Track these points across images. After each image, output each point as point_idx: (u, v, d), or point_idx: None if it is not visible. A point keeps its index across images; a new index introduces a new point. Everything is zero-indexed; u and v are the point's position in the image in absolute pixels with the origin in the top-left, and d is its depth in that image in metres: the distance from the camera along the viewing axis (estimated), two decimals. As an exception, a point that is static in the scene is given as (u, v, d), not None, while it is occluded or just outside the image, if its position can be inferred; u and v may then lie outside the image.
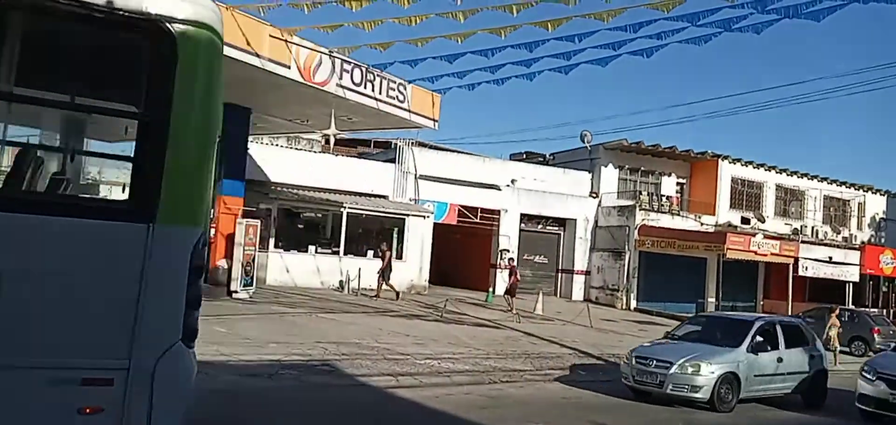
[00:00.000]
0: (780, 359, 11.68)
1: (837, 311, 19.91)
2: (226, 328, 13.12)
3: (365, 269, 22.19)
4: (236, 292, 18.34)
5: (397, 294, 21.15)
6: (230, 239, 18.89)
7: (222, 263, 18.91)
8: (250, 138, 21.14)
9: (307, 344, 12.41)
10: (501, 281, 28.02)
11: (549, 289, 28.79)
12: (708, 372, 10.51)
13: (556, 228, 30.26)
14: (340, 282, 23.08)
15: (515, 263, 24.51)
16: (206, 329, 12.74)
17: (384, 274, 21.16)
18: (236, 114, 18.94)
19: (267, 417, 7.84)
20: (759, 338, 11.55)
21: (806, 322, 24.67)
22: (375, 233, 25.69)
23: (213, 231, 19.50)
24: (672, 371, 10.50)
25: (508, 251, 28.38)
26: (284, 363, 10.76)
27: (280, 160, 24.47)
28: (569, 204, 29.81)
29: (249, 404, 8.30)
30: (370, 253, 23.75)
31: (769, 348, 11.64)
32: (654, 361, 10.78)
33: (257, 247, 19.24)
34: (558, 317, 21.65)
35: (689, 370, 10.51)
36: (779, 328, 12.24)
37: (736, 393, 10.84)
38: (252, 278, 18.89)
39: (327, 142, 29.19)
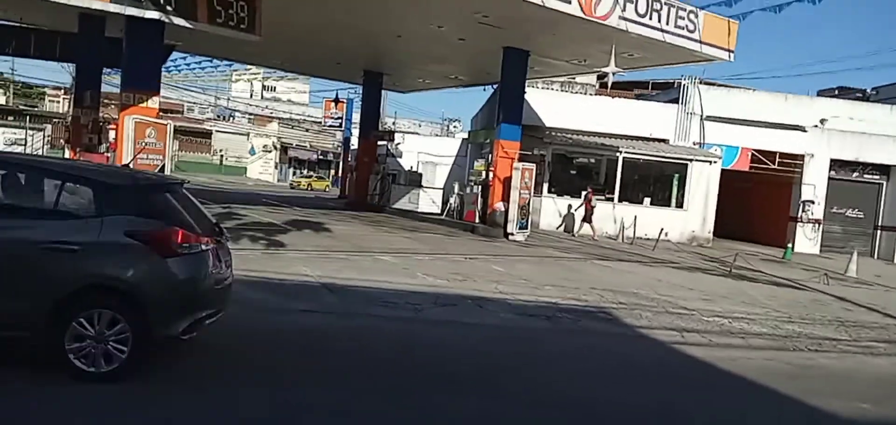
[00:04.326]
0: None
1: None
2: (503, 268, 13.39)
3: (641, 217, 21.06)
4: (512, 234, 18.75)
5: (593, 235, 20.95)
6: (507, 182, 19.28)
7: (500, 206, 19.44)
8: (527, 83, 21.17)
9: (582, 289, 12.05)
10: (802, 237, 24.53)
11: (865, 249, 24.40)
12: None
13: (877, 176, 25.33)
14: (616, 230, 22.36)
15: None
16: (486, 267, 13.22)
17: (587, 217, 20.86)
18: (515, 57, 19.08)
19: (551, 359, 7.65)
20: None
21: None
22: (653, 180, 24.20)
23: (491, 174, 20.16)
24: None
25: (813, 202, 24.67)
26: (561, 306, 10.55)
27: (554, 105, 24.26)
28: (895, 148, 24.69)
29: (528, 343, 8.21)
30: (647, 200, 22.45)
31: None
32: None
33: (532, 191, 19.36)
34: (878, 281, 18.13)
35: None
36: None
37: None
38: (527, 221, 19.13)
39: (604, 85, 28.18)
